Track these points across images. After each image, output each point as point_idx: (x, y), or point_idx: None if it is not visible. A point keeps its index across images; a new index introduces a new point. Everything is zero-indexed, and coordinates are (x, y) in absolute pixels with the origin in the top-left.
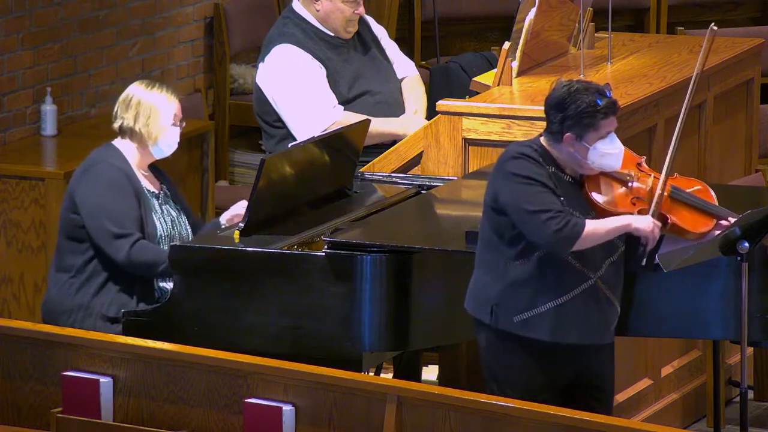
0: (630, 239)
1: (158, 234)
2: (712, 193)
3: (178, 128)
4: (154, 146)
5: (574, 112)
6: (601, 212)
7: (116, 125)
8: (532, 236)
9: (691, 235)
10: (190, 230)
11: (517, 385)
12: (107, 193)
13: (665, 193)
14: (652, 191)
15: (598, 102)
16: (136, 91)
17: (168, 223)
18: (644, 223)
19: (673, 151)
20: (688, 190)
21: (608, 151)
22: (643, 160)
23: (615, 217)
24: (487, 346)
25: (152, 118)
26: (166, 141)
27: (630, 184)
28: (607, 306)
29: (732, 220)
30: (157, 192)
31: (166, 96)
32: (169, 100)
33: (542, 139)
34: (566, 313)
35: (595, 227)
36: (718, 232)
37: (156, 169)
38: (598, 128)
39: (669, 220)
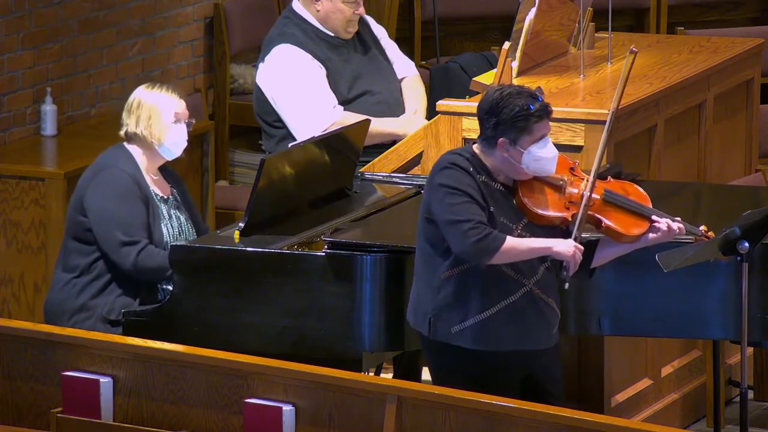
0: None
1: (165, 240)
2: (646, 195)
3: (183, 125)
4: (160, 147)
5: (507, 116)
6: (533, 218)
7: (122, 132)
8: (453, 246)
9: (625, 238)
10: (196, 236)
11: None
12: (116, 200)
13: (599, 197)
14: (584, 196)
15: (531, 106)
16: (138, 94)
17: (175, 229)
18: (565, 247)
19: (600, 154)
20: (620, 194)
21: (542, 155)
22: (576, 164)
23: (537, 239)
24: (430, 359)
25: (153, 118)
26: (171, 140)
27: (563, 188)
28: (546, 310)
29: (656, 218)
30: (166, 197)
31: (166, 95)
32: (170, 99)
33: (475, 147)
34: (503, 321)
35: (515, 244)
36: (652, 235)
37: (167, 171)
38: (531, 132)
39: (602, 223)
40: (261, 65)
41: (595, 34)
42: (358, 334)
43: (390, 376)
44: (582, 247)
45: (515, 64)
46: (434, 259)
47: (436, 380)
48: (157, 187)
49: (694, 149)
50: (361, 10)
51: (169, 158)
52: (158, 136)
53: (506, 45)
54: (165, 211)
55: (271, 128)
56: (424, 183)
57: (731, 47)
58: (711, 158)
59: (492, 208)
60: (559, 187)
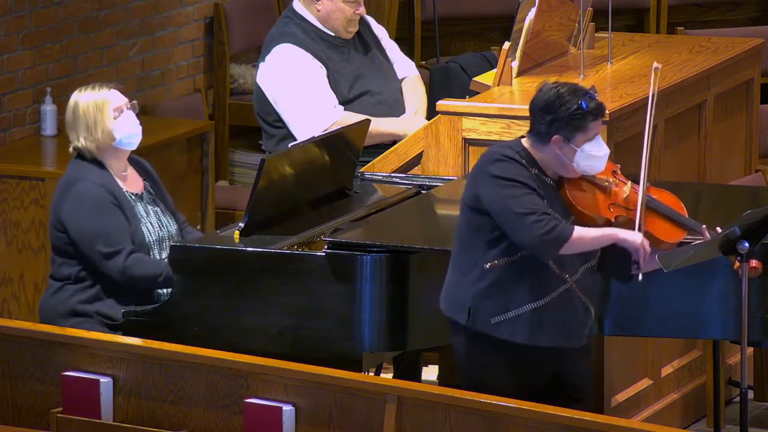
0: (610, 250)
1: (147, 240)
2: (683, 205)
3: (128, 112)
4: (117, 143)
5: (564, 114)
6: (578, 216)
7: (70, 148)
8: (518, 238)
9: (664, 245)
10: (176, 226)
11: (496, 385)
12: (91, 214)
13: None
14: (627, 199)
15: (586, 105)
16: (71, 105)
17: (155, 225)
18: (632, 236)
19: (646, 161)
20: (661, 201)
21: (594, 154)
22: (619, 168)
23: (604, 228)
24: (462, 347)
25: (94, 125)
26: (123, 132)
27: (608, 190)
28: (582, 310)
29: (704, 229)
30: (140, 193)
31: (92, 97)
32: (102, 97)
33: (524, 141)
34: (542, 315)
35: (582, 233)
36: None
37: (137, 163)
38: (587, 130)
39: (643, 229)
40: (261, 65)
41: (595, 34)
42: (358, 334)
43: (390, 376)
44: (648, 242)
45: (515, 64)
46: (477, 249)
47: (466, 370)
48: (129, 185)
49: (694, 149)
50: (362, 10)
51: (132, 148)
52: (109, 137)
53: (506, 45)
54: (142, 210)
55: (271, 128)
56: (424, 183)
57: (731, 47)
58: (711, 158)
59: (546, 202)
60: (604, 189)
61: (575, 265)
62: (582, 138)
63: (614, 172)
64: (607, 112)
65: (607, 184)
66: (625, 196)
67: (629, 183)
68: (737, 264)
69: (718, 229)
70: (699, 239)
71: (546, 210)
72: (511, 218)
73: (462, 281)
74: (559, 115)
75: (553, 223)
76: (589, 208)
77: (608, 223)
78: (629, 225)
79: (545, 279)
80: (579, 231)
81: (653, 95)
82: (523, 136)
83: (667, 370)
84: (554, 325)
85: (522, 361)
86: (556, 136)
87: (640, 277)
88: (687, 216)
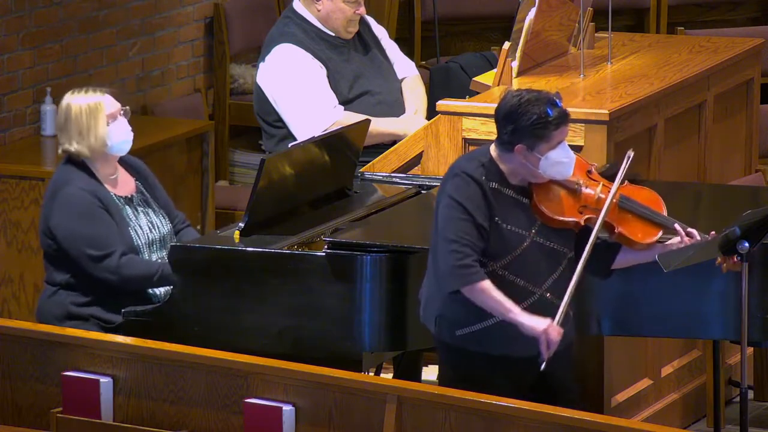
0: (580, 244)
1: (136, 243)
2: (662, 202)
3: (121, 119)
4: (109, 149)
5: (525, 123)
6: (548, 221)
7: (60, 151)
8: (434, 258)
9: (637, 245)
10: (170, 226)
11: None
12: (79, 219)
13: (614, 202)
14: (600, 200)
15: (549, 112)
16: (63, 108)
17: (144, 228)
18: (535, 324)
19: (623, 168)
20: (637, 200)
21: (560, 160)
22: (594, 167)
23: (514, 305)
24: (441, 356)
25: (87, 130)
26: (116, 139)
27: (578, 192)
28: (556, 313)
29: (677, 227)
30: (129, 195)
31: (86, 102)
32: (96, 101)
33: (492, 148)
34: (510, 326)
35: (486, 292)
36: (670, 242)
37: (127, 162)
38: (549, 139)
39: (615, 230)
40: (262, 65)
41: (595, 34)
42: (358, 334)
43: (390, 376)
44: (561, 329)
45: (515, 64)
46: None
47: (441, 378)
48: (118, 189)
49: (694, 149)
50: (362, 10)
51: (123, 153)
52: (101, 143)
53: (506, 45)
54: (130, 213)
55: (271, 128)
56: (424, 183)
57: (731, 47)
58: (711, 158)
59: (497, 218)
60: (574, 191)
61: (542, 276)
62: (545, 147)
63: (588, 172)
64: (606, 112)
65: (577, 186)
66: (596, 197)
67: (601, 183)
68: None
69: (713, 233)
70: (671, 237)
71: (471, 245)
72: (438, 238)
73: (433, 291)
74: (521, 124)
75: (469, 262)
76: (557, 213)
77: (578, 226)
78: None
79: (510, 292)
80: (485, 285)
81: (621, 178)
82: (493, 142)
83: (667, 370)
84: (524, 335)
85: (494, 370)
86: (519, 145)
87: (543, 367)
88: (664, 213)
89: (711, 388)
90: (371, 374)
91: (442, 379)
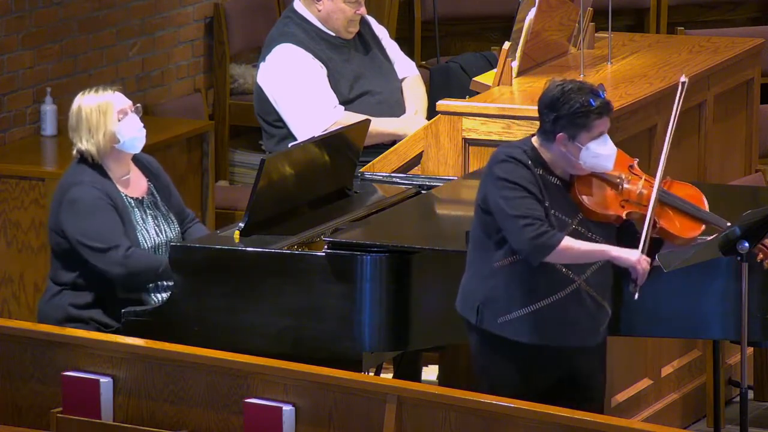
0: (622, 238)
1: (142, 247)
2: (704, 198)
3: (132, 115)
4: (121, 145)
5: (567, 112)
6: (588, 214)
7: (74, 151)
8: (511, 240)
9: (679, 240)
10: (177, 230)
11: (507, 384)
12: (88, 216)
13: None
14: (641, 194)
15: (592, 102)
16: (75, 108)
17: (151, 232)
18: (627, 254)
19: (664, 157)
20: (679, 195)
21: (601, 152)
22: (636, 162)
23: (596, 244)
24: (475, 346)
25: (98, 128)
26: (127, 135)
27: (620, 186)
28: (594, 308)
29: (722, 226)
30: (140, 197)
31: (96, 100)
32: (106, 100)
33: (534, 139)
34: (550, 315)
35: (570, 245)
36: (709, 238)
37: (141, 163)
38: (590, 129)
39: (657, 224)
40: (262, 65)
41: (595, 34)
42: (358, 334)
43: (390, 376)
44: (648, 258)
45: (515, 64)
46: (488, 248)
47: (477, 368)
48: (130, 190)
49: (694, 149)
50: (363, 10)
51: (135, 151)
52: (111, 140)
53: (506, 45)
54: (139, 217)
55: (271, 128)
56: (424, 183)
57: (731, 47)
58: (711, 158)
59: (547, 203)
60: (616, 185)
61: (583, 265)
62: (586, 136)
63: (630, 167)
64: None
65: (619, 180)
66: (638, 192)
67: (643, 178)
68: (760, 256)
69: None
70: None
71: (540, 216)
72: (506, 220)
73: (473, 280)
74: (562, 112)
75: (543, 229)
76: (599, 206)
77: (620, 220)
78: (642, 221)
79: (553, 279)
80: (568, 242)
81: (678, 105)
82: (534, 134)
83: (667, 370)
84: (563, 325)
85: (530, 360)
86: (560, 134)
87: (636, 296)
88: (707, 210)
89: (711, 388)
90: (371, 374)
91: (476, 369)
